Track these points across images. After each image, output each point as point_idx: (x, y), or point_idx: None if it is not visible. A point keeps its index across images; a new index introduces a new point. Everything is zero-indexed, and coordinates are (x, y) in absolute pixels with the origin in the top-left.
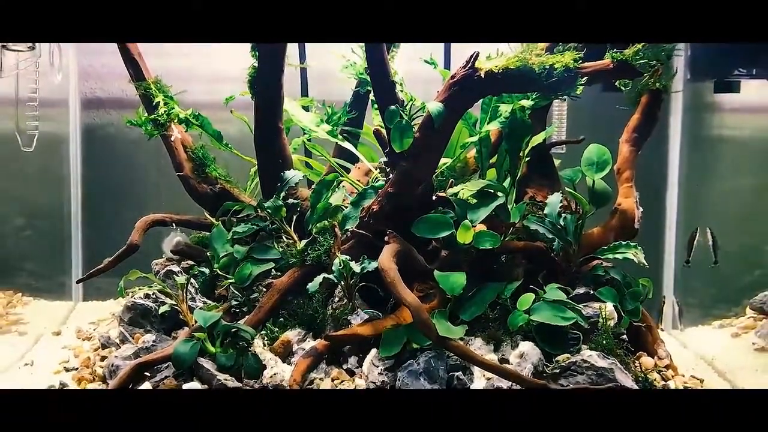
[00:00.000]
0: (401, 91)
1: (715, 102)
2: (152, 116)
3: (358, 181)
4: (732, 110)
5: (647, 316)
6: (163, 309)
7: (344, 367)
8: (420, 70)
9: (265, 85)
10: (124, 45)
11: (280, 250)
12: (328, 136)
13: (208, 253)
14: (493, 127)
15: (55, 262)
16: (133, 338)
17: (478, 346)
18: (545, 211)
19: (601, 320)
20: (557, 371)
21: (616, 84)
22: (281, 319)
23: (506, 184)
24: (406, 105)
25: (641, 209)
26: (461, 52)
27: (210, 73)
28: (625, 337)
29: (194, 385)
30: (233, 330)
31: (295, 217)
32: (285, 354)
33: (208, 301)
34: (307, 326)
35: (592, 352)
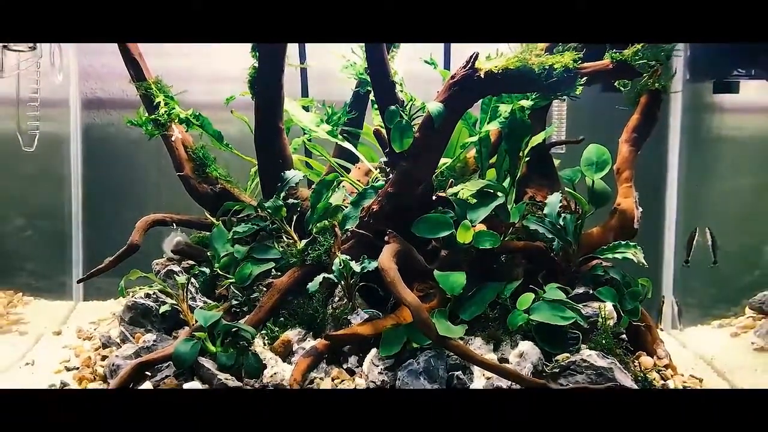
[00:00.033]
0: (401, 91)
1: (715, 102)
2: (153, 116)
3: (358, 181)
4: (731, 110)
5: (646, 315)
6: (163, 308)
7: (344, 366)
8: (420, 70)
9: (266, 86)
10: (125, 45)
11: (281, 249)
12: (328, 136)
13: (208, 253)
14: (492, 127)
15: (55, 262)
16: (133, 338)
17: (477, 346)
18: (545, 211)
19: (600, 320)
20: (557, 371)
21: (615, 84)
22: (281, 318)
23: (506, 184)
24: (406, 105)
25: (641, 209)
26: (461, 52)
27: (210, 74)
28: (624, 336)
29: (195, 384)
30: (234, 329)
31: (295, 217)
32: (285, 353)
33: (209, 301)
34: (307, 326)
35: (592, 351)
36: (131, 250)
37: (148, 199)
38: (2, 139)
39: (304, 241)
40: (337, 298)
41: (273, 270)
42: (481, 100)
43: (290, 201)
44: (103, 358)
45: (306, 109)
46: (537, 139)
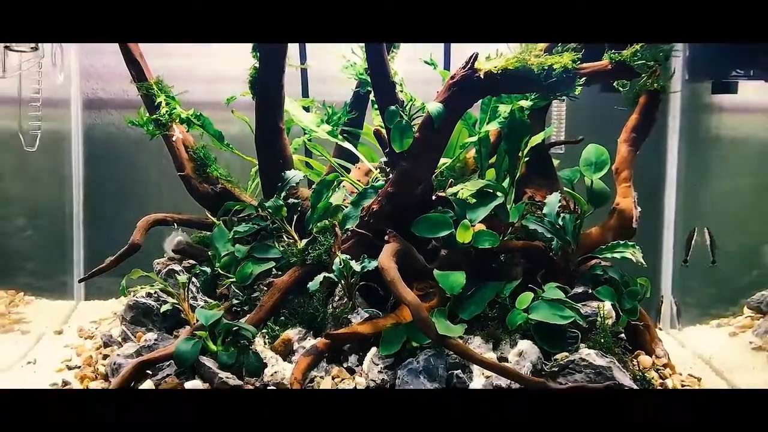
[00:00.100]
0: (401, 91)
1: (713, 103)
2: (154, 116)
3: (359, 180)
4: (730, 111)
5: (645, 315)
6: (164, 308)
7: (345, 365)
8: (420, 70)
9: (266, 86)
10: (126, 46)
11: (281, 249)
12: (329, 136)
13: (209, 253)
14: (492, 128)
15: (56, 262)
16: (134, 337)
17: (477, 345)
18: (544, 211)
19: (599, 319)
20: (556, 369)
21: (614, 84)
22: (282, 317)
23: (505, 184)
24: (406, 105)
25: (639, 209)
26: (461, 52)
27: (211, 74)
28: (623, 335)
29: (196, 383)
30: (234, 329)
31: (295, 217)
32: (286, 352)
33: (210, 300)
34: (307, 325)
35: (591, 350)
36: (132, 249)
37: (149, 199)
38: (4, 138)
39: (304, 241)
40: (337, 298)
41: (273, 269)
42: (480, 101)
43: (291, 201)
44: (105, 357)
45: (306, 109)
46: (536, 140)
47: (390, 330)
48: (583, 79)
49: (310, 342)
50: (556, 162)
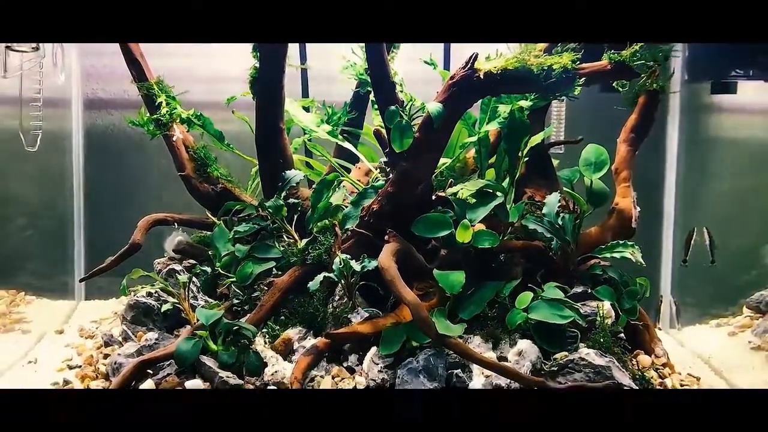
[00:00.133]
0: (401, 91)
1: (713, 103)
2: (155, 116)
3: (359, 180)
4: (729, 111)
5: (644, 314)
6: (165, 307)
7: (345, 364)
8: (420, 70)
9: (266, 86)
10: (127, 46)
11: (281, 249)
12: (329, 137)
13: (209, 252)
14: (492, 128)
15: (57, 262)
16: (135, 336)
17: (476, 344)
18: (543, 211)
19: (598, 319)
20: (555, 369)
21: (613, 85)
22: (282, 317)
23: (505, 183)
24: (406, 105)
25: (638, 209)
26: (461, 52)
27: (212, 74)
28: (622, 335)
29: (196, 382)
30: (235, 328)
31: (295, 217)
32: (286, 352)
33: (210, 300)
34: (307, 324)
35: (590, 350)
36: (133, 249)
37: (149, 199)
38: (5, 138)
39: (304, 241)
40: (337, 297)
41: (274, 269)
42: (480, 101)
43: (291, 201)
44: (106, 356)
45: (306, 109)
46: (536, 140)
47: (390, 329)
48: (583, 79)
49: (310, 341)
50: (555, 162)
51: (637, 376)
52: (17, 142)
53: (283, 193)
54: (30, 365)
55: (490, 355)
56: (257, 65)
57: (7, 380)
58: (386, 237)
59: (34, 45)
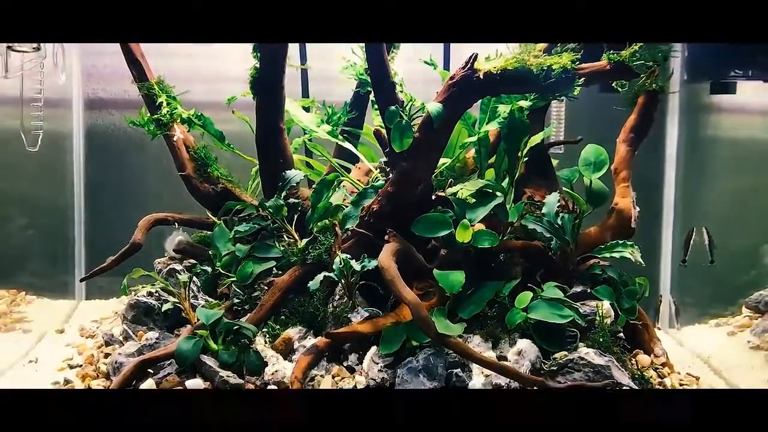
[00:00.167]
0: (401, 91)
1: (712, 103)
2: (155, 116)
3: (359, 180)
4: (728, 111)
5: (644, 314)
6: (165, 307)
7: (345, 364)
8: (420, 70)
9: (267, 86)
10: (128, 46)
11: (282, 248)
12: (329, 136)
13: (210, 252)
14: (491, 128)
15: (58, 261)
16: (136, 336)
17: (476, 344)
18: (543, 211)
19: (598, 318)
20: (554, 368)
21: (613, 85)
22: (282, 317)
23: (505, 183)
24: (406, 105)
25: (638, 209)
26: (461, 53)
27: (212, 74)
28: (621, 335)
29: (197, 381)
30: (235, 327)
31: (296, 217)
32: (286, 351)
33: (210, 299)
34: (308, 324)
35: (589, 349)
36: (133, 248)
37: (149, 199)
38: (6, 138)
39: (304, 240)
40: (337, 297)
41: (274, 269)
42: (480, 101)
43: (291, 200)
44: (106, 355)
45: (306, 109)
46: (535, 140)
47: (390, 329)
48: (582, 79)
49: (310, 341)
50: (555, 162)
51: (637, 376)
52: (18, 142)
53: (284, 193)
54: (31, 364)
55: (490, 355)
56: (257, 65)
57: (8, 380)
58: (386, 237)
59: (35, 45)
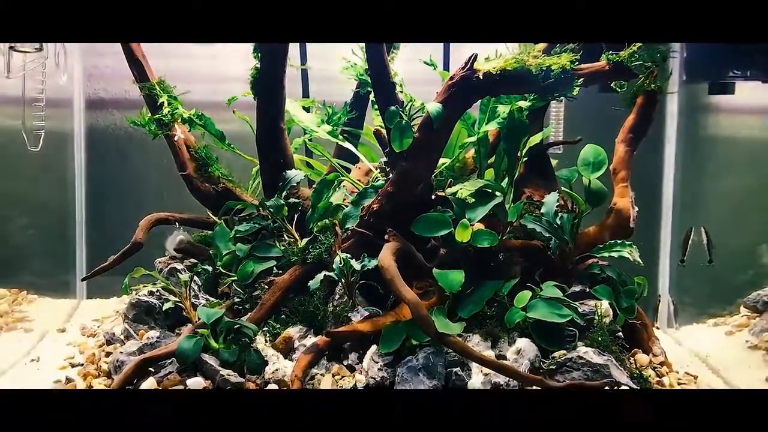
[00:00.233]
0: (401, 92)
1: (710, 103)
2: (156, 116)
3: (359, 180)
4: (727, 111)
5: (642, 313)
6: (166, 306)
7: (345, 363)
8: (420, 71)
9: (267, 86)
10: (129, 46)
11: (282, 248)
12: (329, 136)
13: (210, 252)
14: (491, 128)
15: (59, 260)
16: (137, 334)
17: (475, 343)
18: (542, 210)
19: (596, 317)
20: (553, 367)
21: (612, 85)
22: (283, 316)
23: (504, 183)
24: (406, 106)
25: (636, 208)
26: (461, 53)
27: (213, 74)
28: (620, 334)
29: (198, 380)
30: (236, 326)
31: (296, 216)
32: (286, 350)
33: (211, 299)
34: (308, 323)
35: (588, 348)
36: (135, 248)
37: (150, 198)
38: (8, 138)
39: (305, 240)
40: (337, 296)
41: (274, 268)
42: (479, 101)
43: (291, 200)
44: (108, 354)
45: (307, 109)
46: (535, 140)
47: (390, 328)
48: (581, 79)
49: (310, 340)
50: (554, 162)
51: (635, 375)
52: (20, 141)
53: (284, 193)
54: (32, 363)
55: (489, 354)
56: (258, 65)
57: (9, 378)
58: (386, 236)
59: (37, 45)
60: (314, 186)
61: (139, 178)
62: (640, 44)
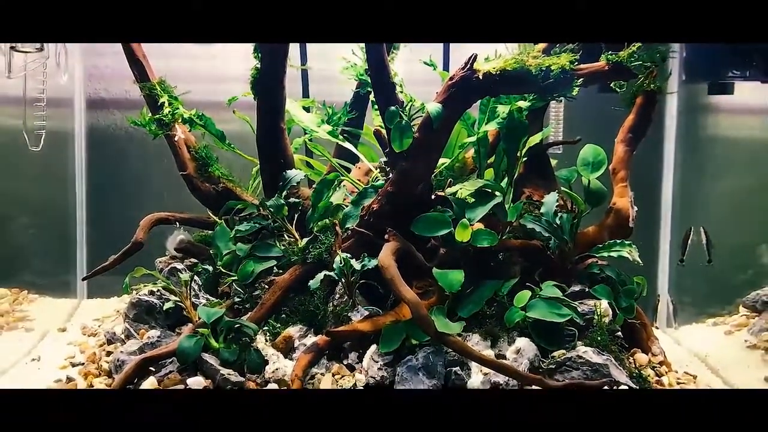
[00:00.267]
0: (401, 92)
1: (710, 103)
2: (157, 116)
3: (359, 180)
4: (726, 112)
5: (641, 313)
6: (167, 305)
7: (345, 362)
8: (419, 71)
9: (268, 86)
10: (129, 46)
11: (282, 248)
12: (329, 136)
13: (211, 251)
14: (491, 128)
15: (60, 260)
16: (137, 334)
17: (475, 342)
18: (542, 210)
19: (596, 317)
20: (553, 367)
21: (611, 85)
22: (283, 315)
23: (504, 183)
24: (406, 106)
25: (636, 208)
26: (460, 53)
27: (213, 74)
28: (619, 333)
29: (198, 379)
30: (236, 326)
31: (296, 216)
32: (287, 349)
33: (212, 298)
34: (308, 322)
35: (587, 348)
36: (135, 248)
37: (151, 198)
38: (9, 138)
39: (305, 240)
40: (337, 296)
41: (275, 268)
42: (479, 101)
43: (291, 200)
44: (108, 354)
45: (307, 109)
46: (534, 140)
47: (390, 327)
48: (581, 79)
49: (310, 339)
50: (553, 162)
51: (634, 374)
52: (21, 141)
53: (284, 193)
54: (33, 363)
55: (489, 353)
56: (258, 65)
57: (10, 378)
58: (386, 236)
59: (37, 45)
60: (314, 186)
61: (140, 177)
62: (640, 44)
